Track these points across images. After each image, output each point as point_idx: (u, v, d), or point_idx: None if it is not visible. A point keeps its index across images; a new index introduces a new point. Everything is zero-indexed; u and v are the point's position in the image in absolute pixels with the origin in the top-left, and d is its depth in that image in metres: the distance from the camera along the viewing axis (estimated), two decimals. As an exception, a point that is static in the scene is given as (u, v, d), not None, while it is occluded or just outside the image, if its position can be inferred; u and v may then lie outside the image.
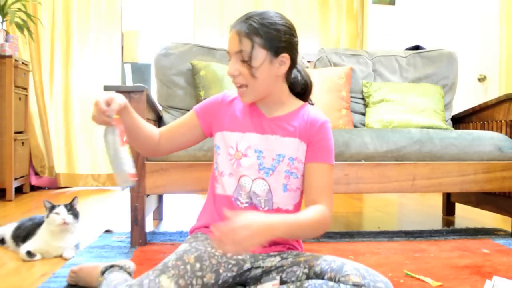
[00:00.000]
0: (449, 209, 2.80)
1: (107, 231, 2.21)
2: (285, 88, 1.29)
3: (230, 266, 1.19)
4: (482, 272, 1.60)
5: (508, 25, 4.13)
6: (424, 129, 2.23)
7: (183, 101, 2.44)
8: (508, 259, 1.78)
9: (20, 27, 3.51)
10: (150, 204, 2.16)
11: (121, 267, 1.33)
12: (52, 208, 1.75)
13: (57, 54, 3.87)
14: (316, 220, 1.16)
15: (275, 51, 1.18)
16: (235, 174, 1.25)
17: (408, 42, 3.93)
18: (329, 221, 1.20)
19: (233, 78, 1.22)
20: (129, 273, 1.33)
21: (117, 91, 1.90)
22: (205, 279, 1.13)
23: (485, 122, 2.48)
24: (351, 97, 2.60)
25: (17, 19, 3.44)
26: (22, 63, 3.46)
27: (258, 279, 1.22)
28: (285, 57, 1.21)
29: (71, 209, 1.77)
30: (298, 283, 1.11)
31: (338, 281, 1.06)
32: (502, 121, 2.36)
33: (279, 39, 1.18)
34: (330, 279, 1.08)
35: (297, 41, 1.24)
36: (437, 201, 3.27)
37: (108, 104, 1.09)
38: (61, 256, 1.77)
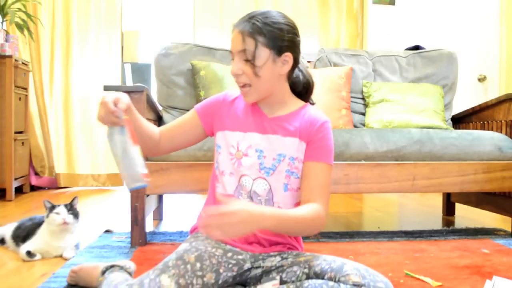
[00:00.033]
0: (449, 209, 2.80)
1: (107, 231, 2.21)
2: (287, 87, 1.29)
3: (230, 266, 1.19)
4: (482, 272, 1.60)
5: (508, 25, 4.13)
6: (424, 129, 2.23)
7: (183, 101, 2.44)
8: (508, 259, 1.79)
9: (20, 27, 3.51)
10: (150, 204, 2.16)
11: (121, 267, 1.33)
12: (52, 208, 1.75)
13: (57, 54, 3.87)
14: (308, 217, 1.15)
15: (278, 50, 1.19)
16: (236, 174, 1.25)
17: (408, 42, 3.93)
18: (323, 220, 1.18)
19: (236, 77, 1.22)
20: (130, 273, 1.33)
21: (117, 91, 1.90)
22: (205, 279, 1.13)
23: (485, 122, 2.48)
24: (351, 97, 2.60)
25: (17, 19, 3.44)
26: (22, 63, 3.46)
27: (258, 279, 1.22)
28: (288, 56, 1.21)
29: (71, 209, 1.77)
30: (298, 283, 1.11)
31: (338, 281, 1.07)
32: (502, 121, 2.36)
33: (282, 38, 1.19)
34: (330, 279, 1.08)
35: (300, 41, 1.24)
36: (437, 201, 3.27)
37: (115, 104, 1.09)
38: (61, 256, 1.77)
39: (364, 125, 2.55)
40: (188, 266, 1.12)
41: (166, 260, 1.13)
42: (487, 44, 4.22)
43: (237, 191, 1.25)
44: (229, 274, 1.19)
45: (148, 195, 2.04)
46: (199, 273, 1.12)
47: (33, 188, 3.80)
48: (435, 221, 2.63)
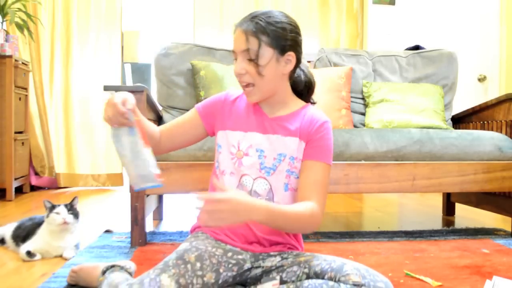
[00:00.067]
0: (449, 209, 2.80)
1: (107, 231, 2.21)
2: (288, 87, 1.29)
3: (230, 265, 1.19)
4: (482, 272, 1.60)
5: (508, 25, 4.13)
6: (424, 129, 2.23)
7: (183, 101, 2.44)
8: (508, 259, 1.79)
9: (20, 27, 3.51)
10: (150, 204, 2.16)
11: (121, 267, 1.33)
12: (52, 208, 1.75)
13: (57, 54, 3.87)
14: (302, 214, 1.14)
15: (282, 50, 1.19)
16: (237, 173, 1.25)
17: (408, 42, 3.93)
18: (318, 219, 1.17)
19: (239, 77, 1.22)
20: (130, 273, 1.33)
21: (117, 91, 1.90)
22: (205, 279, 1.13)
23: (485, 122, 2.48)
24: (351, 97, 2.60)
25: (17, 19, 3.44)
26: (22, 63, 3.46)
27: (258, 279, 1.22)
28: (291, 56, 1.21)
29: (71, 209, 1.77)
30: (298, 283, 1.11)
31: (338, 281, 1.07)
32: (502, 121, 2.36)
33: (285, 37, 1.19)
34: (330, 278, 1.08)
35: (301, 40, 1.25)
36: (437, 201, 3.27)
37: (123, 105, 1.08)
38: (61, 256, 1.77)
39: (364, 125, 2.55)
40: (188, 266, 1.12)
41: (166, 260, 1.14)
42: (487, 44, 4.22)
43: (237, 191, 1.25)
44: (229, 274, 1.19)
45: (148, 195, 2.04)
46: (199, 273, 1.12)
47: (33, 188, 3.80)
48: (435, 221, 2.63)
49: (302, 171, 1.24)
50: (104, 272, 1.30)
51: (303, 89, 1.33)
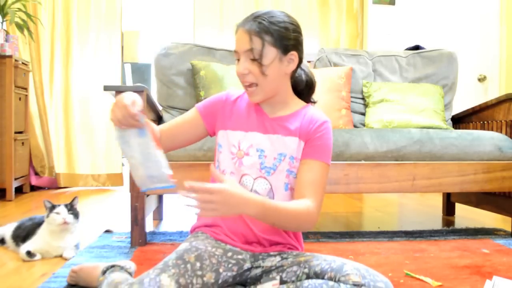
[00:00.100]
0: (449, 209, 2.80)
1: (107, 231, 2.21)
2: (289, 87, 1.29)
3: (230, 265, 1.19)
4: (482, 272, 1.60)
5: (508, 25, 4.13)
6: (424, 129, 2.23)
7: (183, 101, 2.44)
8: (508, 259, 1.79)
9: (20, 27, 3.51)
10: (150, 204, 2.16)
11: (122, 267, 1.33)
12: (53, 208, 1.75)
13: (57, 54, 3.87)
14: (297, 211, 1.14)
15: (285, 49, 1.19)
16: (237, 173, 1.25)
17: (408, 42, 3.93)
18: (313, 217, 1.17)
19: (242, 77, 1.22)
20: (130, 274, 1.33)
21: (117, 91, 1.90)
22: (205, 278, 1.13)
23: (485, 122, 2.48)
24: (351, 97, 2.60)
25: (17, 19, 3.43)
26: (22, 63, 3.46)
27: (258, 279, 1.22)
28: (293, 55, 1.22)
29: (71, 209, 1.77)
30: (298, 283, 1.11)
31: (338, 281, 1.07)
32: (502, 121, 2.36)
33: (288, 37, 1.19)
34: (330, 278, 1.08)
35: (303, 39, 1.25)
36: (437, 201, 3.27)
37: (132, 106, 1.07)
38: (61, 256, 1.77)
39: (364, 125, 2.55)
40: (188, 266, 1.12)
41: (166, 260, 1.13)
42: (487, 44, 4.22)
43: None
44: (229, 273, 1.19)
45: (148, 195, 2.04)
46: (199, 273, 1.12)
47: (33, 188, 3.80)
48: (435, 221, 2.63)
49: (300, 170, 1.24)
50: (104, 272, 1.30)
51: (304, 89, 1.33)
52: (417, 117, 2.43)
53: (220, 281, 1.17)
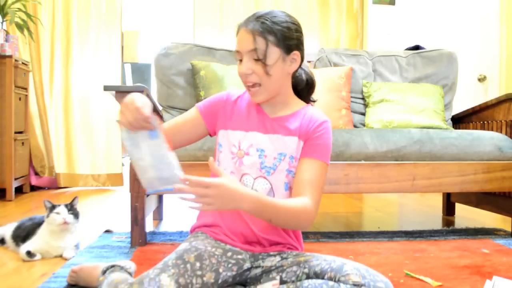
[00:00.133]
0: (449, 209, 2.80)
1: (107, 231, 2.21)
2: (290, 87, 1.30)
3: (230, 265, 1.19)
4: (482, 272, 1.60)
5: (508, 25, 4.13)
6: (424, 129, 2.23)
7: (183, 101, 2.44)
8: (508, 259, 1.79)
9: (20, 27, 3.51)
10: (150, 204, 2.16)
11: (122, 267, 1.33)
12: (53, 208, 1.75)
13: (57, 54, 3.87)
14: (295, 209, 1.13)
15: (287, 49, 1.20)
16: (237, 173, 1.25)
17: (408, 42, 3.93)
18: (311, 216, 1.16)
19: (245, 77, 1.22)
20: (130, 274, 1.33)
21: (117, 91, 1.90)
22: (204, 278, 1.13)
23: (485, 122, 2.48)
24: (351, 97, 2.60)
25: (17, 19, 3.43)
26: (22, 63, 3.46)
27: (258, 279, 1.22)
28: (296, 55, 1.22)
29: (71, 209, 1.77)
30: (298, 283, 1.11)
31: (338, 281, 1.07)
32: (502, 121, 2.36)
33: (291, 37, 1.20)
34: (330, 278, 1.08)
35: (304, 39, 1.25)
36: (437, 201, 3.27)
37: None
38: (61, 256, 1.77)
39: (364, 125, 2.55)
40: (188, 266, 1.12)
41: (166, 260, 1.14)
42: (487, 44, 4.22)
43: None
44: (229, 273, 1.19)
45: (148, 195, 2.04)
46: (199, 273, 1.12)
47: (33, 188, 3.80)
48: (435, 221, 2.63)
49: (298, 168, 1.24)
50: (104, 272, 1.30)
51: (304, 88, 1.33)
52: (417, 117, 2.43)
53: (220, 281, 1.17)
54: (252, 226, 1.23)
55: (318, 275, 1.11)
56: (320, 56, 2.72)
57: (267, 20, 1.18)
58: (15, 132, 3.35)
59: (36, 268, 1.64)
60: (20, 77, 3.43)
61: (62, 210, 1.74)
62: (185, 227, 2.33)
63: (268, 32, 1.17)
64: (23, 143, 3.52)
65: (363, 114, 2.60)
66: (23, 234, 1.81)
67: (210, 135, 1.36)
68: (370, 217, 2.81)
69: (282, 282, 1.17)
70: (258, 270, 1.22)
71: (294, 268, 1.17)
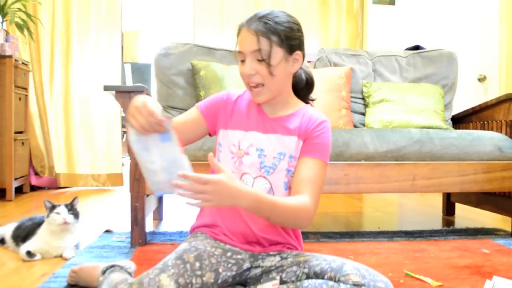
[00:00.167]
0: (449, 209, 2.80)
1: (107, 231, 2.21)
2: (290, 87, 1.30)
3: (229, 265, 1.19)
4: (482, 272, 1.60)
5: (508, 25, 4.13)
6: (424, 129, 2.23)
7: (183, 101, 2.44)
8: (508, 259, 1.79)
9: (20, 27, 3.51)
10: (150, 204, 2.16)
11: (121, 267, 1.33)
12: (53, 208, 1.75)
13: (57, 54, 3.87)
14: (294, 207, 1.13)
15: (290, 49, 1.20)
16: (237, 173, 1.25)
17: (408, 42, 3.93)
18: (309, 214, 1.16)
19: (248, 77, 1.21)
20: (130, 274, 1.33)
21: (117, 91, 1.90)
22: (204, 278, 1.13)
23: (485, 122, 2.48)
24: (351, 97, 2.60)
25: (17, 19, 3.43)
26: (22, 63, 3.46)
27: (258, 279, 1.22)
28: (298, 55, 1.23)
29: (71, 209, 1.77)
30: (298, 283, 1.11)
31: (338, 281, 1.06)
32: (502, 121, 2.36)
33: (293, 37, 1.20)
34: (330, 278, 1.08)
35: (304, 39, 1.26)
36: (437, 201, 3.27)
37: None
38: (61, 256, 1.77)
39: (364, 125, 2.55)
40: (188, 266, 1.12)
41: (166, 260, 1.14)
42: (487, 44, 4.22)
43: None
44: (229, 273, 1.19)
45: (148, 195, 2.04)
46: (199, 273, 1.12)
47: (33, 188, 3.79)
48: (435, 221, 2.63)
49: (297, 167, 1.24)
50: (104, 272, 1.30)
51: (303, 88, 1.33)
52: (417, 117, 2.43)
53: (219, 281, 1.17)
54: (252, 226, 1.23)
55: (318, 275, 1.11)
56: (320, 56, 2.72)
57: (269, 20, 1.18)
58: (15, 132, 3.35)
59: (36, 268, 1.64)
60: (20, 77, 3.43)
61: (62, 210, 1.74)
62: (185, 227, 2.33)
63: (271, 32, 1.17)
64: (23, 143, 3.52)
65: (363, 114, 2.60)
66: (23, 234, 1.81)
67: (210, 135, 1.36)
68: (370, 217, 2.81)
69: (282, 282, 1.17)
70: (258, 270, 1.22)
71: (294, 268, 1.17)
